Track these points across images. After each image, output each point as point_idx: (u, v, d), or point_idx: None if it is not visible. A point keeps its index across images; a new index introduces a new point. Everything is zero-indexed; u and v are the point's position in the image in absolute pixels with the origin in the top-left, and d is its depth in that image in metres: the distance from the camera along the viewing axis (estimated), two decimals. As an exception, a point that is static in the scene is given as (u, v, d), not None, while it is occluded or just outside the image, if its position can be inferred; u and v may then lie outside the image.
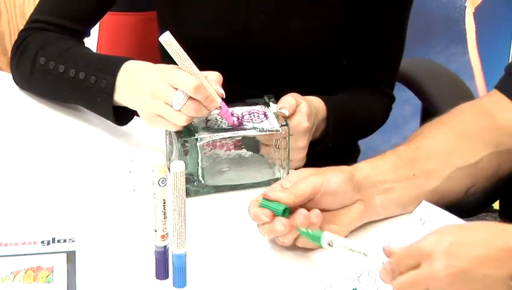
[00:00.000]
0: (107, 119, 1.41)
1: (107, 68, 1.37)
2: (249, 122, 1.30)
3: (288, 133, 1.29)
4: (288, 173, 1.30)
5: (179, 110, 1.25)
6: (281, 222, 1.12)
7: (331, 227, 1.15)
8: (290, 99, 1.32)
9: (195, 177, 1.28)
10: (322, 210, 1.16)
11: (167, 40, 1.24)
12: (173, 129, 1.28)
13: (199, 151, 1.27)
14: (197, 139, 1.26)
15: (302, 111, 1.33)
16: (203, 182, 1.29)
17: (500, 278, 1.00)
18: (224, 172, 1.29)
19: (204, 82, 1.26)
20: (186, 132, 1.27)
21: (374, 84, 1.57)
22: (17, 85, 1.55)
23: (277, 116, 1.31)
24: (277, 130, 1.28)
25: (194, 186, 1.28)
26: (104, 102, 1.38)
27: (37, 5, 1.55)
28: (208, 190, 1.29)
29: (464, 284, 0.99)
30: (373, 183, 1.20)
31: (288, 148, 1.29)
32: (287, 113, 1.30)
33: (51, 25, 1.51)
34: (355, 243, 1.09)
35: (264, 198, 1.14)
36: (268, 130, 1.29)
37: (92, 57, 1.44)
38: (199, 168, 1.28)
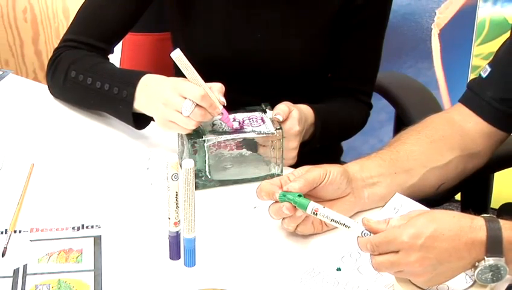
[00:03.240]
0: (128, 124, 1.40)
1: (127, 81, 1.37)
2: (248, 126, 1.29)
3: (282, 135, 1.28)
4: (282, 170, 1.30)
5: (188, 116, 1.25)
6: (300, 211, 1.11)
7: None
8: (283, 107, 1.31)
9: (203, 173, 1.27)
10: (321, 199, 1.16)
11: (177, 56, 1.23)
12: (184, 132, 1.28)
13: (206, 151, 1.26)
14: (204, 140, 1.26)
15: (294, 117, 1.32)
16: (209, 177, 1.28)
17: (464, 266, 1.01)
18: (228, 168, 1.29)
19: (208, 92, 1.25)
20: (195, 135, 1.26)
21: (355, 94, 1.56)
22: (52, 94, 1.54)
23: (272, 121, 1.30)
24: (272, 133, 1.28)
25: (202, 180, 1.27)
26: (125, 109, 1.37)
27: (69, 26, 1.54)
28: (213, 183, 1.29)
29: (433, 271, 1.00)
30: (361, 178, 1.20)
31: (282, 148, 1.29)
32: (281, 119, 1.30)
33: (81, 44, 1.50)
34: (338, 214, 1.08)
35: (281, 197, 1.11)
36: (265, 133, 1.28)
37: (115, 71, 1.43)
38: (206, 165, 1.27)
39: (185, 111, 1.24)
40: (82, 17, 1.53)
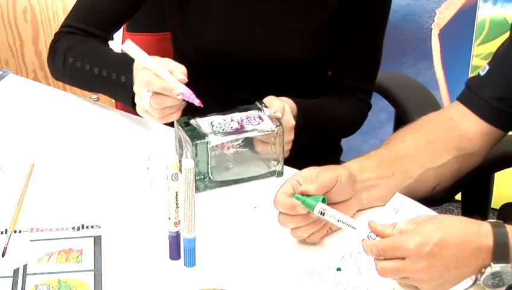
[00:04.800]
0: (128, 106, 1.40)
1: (124, 66, 1.36)
2: (248, 125, 1.29)
3: (283, 131, 1.28)
4: (282, 166, 1.30)
5: (150, 106, 1.26)
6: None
7: None
8: (279, 103, 1.31)
9: (205, 175, 1.26)
10: (331, 203, 1.13)
11: (127, 46, 1.26)
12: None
13: (209, 153, 1.25)
14: (207, 142, 1.25)
15: (287, 110, 1.32)
16: (212, 178, 1.27)
17: (471, 272, 1.01)
18: (230, 169, 1.28)
19: (165, 75, 1.25)
20: (197, 136, 1.25)
21: (354, 92, 1.55)
22: (54, 78, 1.56)
23: (271, 118, 1.30)
24: (274, 130, 1.28)
25: (204, 182, 1.27)
26: (125, 94, 1.38)
27: (69, 13, 1.57)
28: (215, 184, 1.28)
29: (440, 278, 0.99)
30: (361, 180, 1.19)
31: (283, 144, 1.28)
32: (280, 116, 1.30)
33: (78, 30, 1.52)
34: (344, 216, 1.07)
35: (295, 194, 1.10)
36: (267, 131, 1.28)
37: (112, 56, 1.45)
38: (209, 167, 1.26)
39: (144, 101, 1.26)
40: (81, 6, 1.55)
